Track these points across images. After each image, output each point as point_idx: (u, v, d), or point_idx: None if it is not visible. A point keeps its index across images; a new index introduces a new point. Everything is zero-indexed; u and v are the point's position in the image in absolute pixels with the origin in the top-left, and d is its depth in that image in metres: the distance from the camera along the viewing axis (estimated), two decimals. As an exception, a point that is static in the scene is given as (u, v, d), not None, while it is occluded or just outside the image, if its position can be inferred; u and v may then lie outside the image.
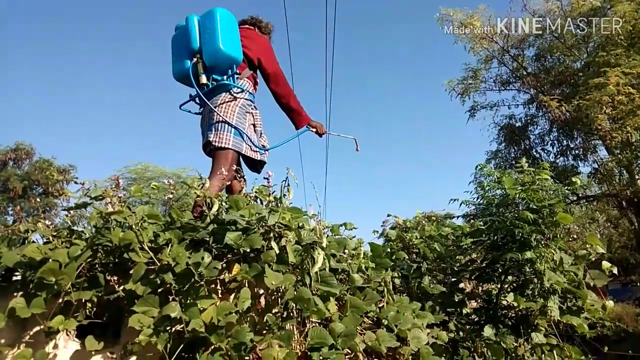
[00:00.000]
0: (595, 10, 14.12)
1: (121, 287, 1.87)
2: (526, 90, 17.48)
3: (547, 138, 16.77)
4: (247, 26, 3.32)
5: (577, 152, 15.83)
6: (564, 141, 16.28)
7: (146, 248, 1.88)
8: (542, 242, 2.73)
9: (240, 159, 3.09)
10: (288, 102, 3.23)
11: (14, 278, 1.97)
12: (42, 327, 1.82)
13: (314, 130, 3.40)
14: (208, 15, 3.00)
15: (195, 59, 2.95)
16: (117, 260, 1.98)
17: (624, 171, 14.45)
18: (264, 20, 3.45)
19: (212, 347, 1.77)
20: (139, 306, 1.77)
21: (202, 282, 1.83)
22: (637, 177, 14.26)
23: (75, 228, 2.16)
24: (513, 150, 17.39)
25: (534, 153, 16.84)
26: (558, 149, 16.39)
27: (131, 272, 1.86)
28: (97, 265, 1.97)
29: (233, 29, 3.03)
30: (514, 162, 16.43)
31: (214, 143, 2.89)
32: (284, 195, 2.26)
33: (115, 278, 1.88)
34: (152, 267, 1.87)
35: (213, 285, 2.01)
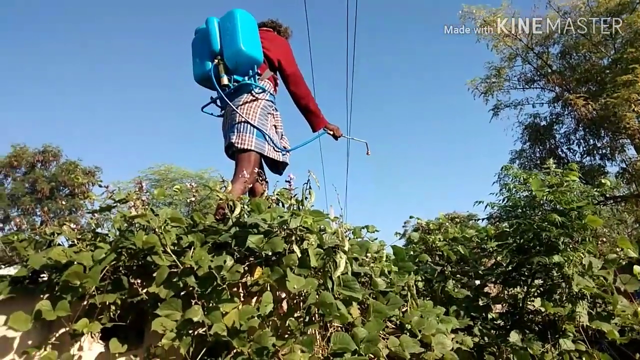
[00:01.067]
0: (623, 5, 13.79)
1: (144, 290, 1.88)
2: (551, 89, 17.16)
3: (573, 137, 16.43)
4: (266, 28, 3.33)
5: (604, 151, 15.47)
6: (591, 140, 15.92)
7: (169, 251, 1.89)
8: (570, 246, 2.66)
9: (262, 160, 3.09)
10: (307, 104, 3.22)
11: (41, 280, 2.00)
12: (67, 329, 1.84)
13: (331, 133, 3.39)
14: (228, 16, 3.01)
15: (216, 61, 2.97)
16: (140, 263, 2.00)
17: (654, 171, 14.06)
18: (283, 24, 3.46)
19: (235, 351, 1.77)
20: (162, 309, 1.78)
21: (224, 286, 1.82)
22: (667, 176, 13.86)
23: (99, 231, 2.19)
24: (538, 149, 17.06)
25: (560, 153, 16.51)
26: (584, 149, 16.03)
27: (154, 275, 1.86)
28: (120, 268, 1.99)
29: (253, 30, 3.05)
30: (539, 162, 16.15)
31: (236, 145, 2.89)
32: (306, 198, 2.24)
33: (139, 281, 1.89)
34: (175, 270, 1.87)
35: (235, 289, 2.00)
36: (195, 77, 3.12)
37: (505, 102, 17.80)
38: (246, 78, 3.00)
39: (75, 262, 1.81)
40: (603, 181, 2.78)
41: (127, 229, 2.02)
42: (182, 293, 1.87)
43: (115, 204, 2.14)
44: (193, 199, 2.35)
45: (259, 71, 3.06)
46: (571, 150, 16.49)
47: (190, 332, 1.79)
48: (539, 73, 17.47)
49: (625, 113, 12.12)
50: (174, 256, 1.88)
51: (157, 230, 1.88)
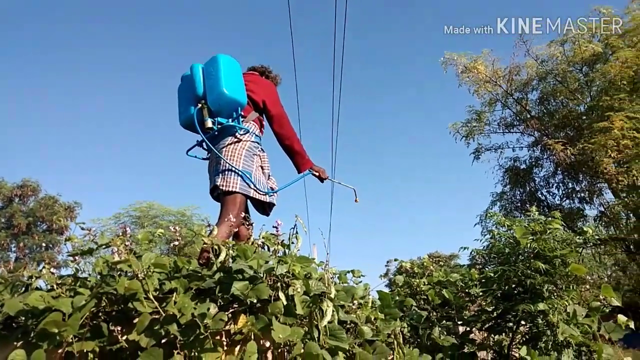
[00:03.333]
0: (597, 55, 14.37)
1: (124, 338, 1.82)
2: (530, 133, 17.59)
3: (552, 180, 16.77)
4: (252, 72, 3.37)
5: (582, 195, 15.77)
6: (570, 184, 16.25)
7: (151, 297, 1.84)
8: (555, 293, 2.67)
9: (248, 202, 3.07)
10: (292, 145, 3.23)
11: (15, 325, 1.92)
12: (41, 379, 1.76)
13: (317, 174, 3.39)
14: (211, 61, 3.07)
15: (200, 105, 2.99)
16: (121, 308, 1.94)
17: (631, 215, 14.33)
18: (273, 71, 3.52)
19: (217, 403, 1.71)
20: (143, 359, 1.72)
21: (207, 334, 1.78)
22: (644, 221, 14.12)
23: (79, 275, 2.13)
24: (519, 192, 17.35)
25: (540, 195, 16.79)
26: (564, 192, 16.34)
27: (135, 321, 1.81)
28: (100, 314, 1.93)
29: (236, 73, 3.09)
30: (519, 204, 16.38)
31: (221, 187, 2.88)
32: (292, 242, 2.22)
33: (119, 328, 1.83)
34: (157, 317, 1.82)
35: (218, 337, 1.95)
36: (181, 122, 3.14)
37: (486, 146, 18.20)
38: (230, 120, 3.02)
39: (53, 309, 1.75)
40: (585, 229, 2.82)
41: (109, 274, 1.97)
42: (163, 341, 1.82)
43: (97, 248, 2.10)
44: (176, 243, 2.31)
45: (243, 113, 3.08)
46: (551, 193, 16.81)
47: (172, 383, 1.73)
48: (518, 118, 17.94)
49: (602, 158, 12.44)
50: (156, 303, 1.83)
51: (139, 276, 1.84)
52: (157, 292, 1.92)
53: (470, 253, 3.03)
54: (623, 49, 13.43)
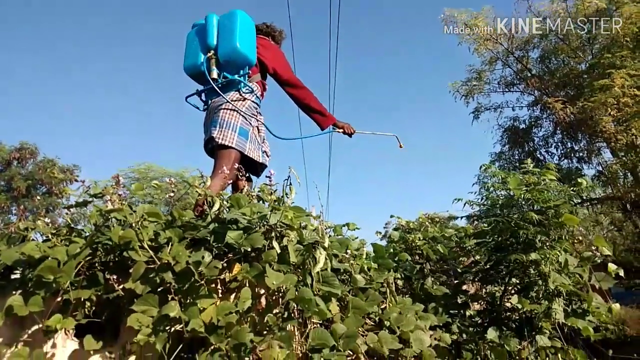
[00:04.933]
0: (600, 11, 14.06)
1: (121, 286, 1.85)
2: (530, 92, 17.38)
3: (551, 140, 16.68)
4: (262, 35, 3.34)
5: (581, 154, 15.73)
6: (568, 143, 16.18)
7: (146, 247, 1.86)
8: (547, 244, 2.69)
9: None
10: (309, 103, 3.23)
11: (13, 276, 1.95)
12: (40, 325, 1.80)
13: (341, 130, 3.37)
14: (229, 15, 3.07)
15: (209, 54, 2.98)
16: (117, 258, 1.97)
17: (629, 174, 14.34)
18: (277, 28, 3.47)
19: (212, 347, 1.75)
20: (138, 305, 1.76)
21: (202, 282, 1.80)
22: (642, 179, 14.16)
23: (75, 226, 2.14)
24: (517, 152, 17.29)
25: (538, 155, 16.74)
26: (562, 152, 16.29)
27: (131, 270, 1.84)
28: (96, 264, 1.95)
29: (251, 32, 3.10)
30: (517, 164, 16.35)
31: (217, 139, 2.86)
32: (286, 194, 2.23)
33: (115, 277, 1.86)
34: (152, 266, 1.85)
35: (213, 285, 1.98)
36: (185, 68, 3.12)
37: (486, 105, 18.01)
38: (236, 76, 3.02)
39: (49, 257, 1.77)
40: (580, 181, 2.83)
41: (104, 224, 1.99)
42: (159, 289, 1.85)
43: (91, 199, 2.11)
44: (172, 194, 2.32)
45: (250, 73, 3.07)
46: (549, 153, 16.75)
47: (167, 328, 1.76)
48: (518, 77, 17.69)
49: (602, 117, 12.33)
50: (151, 252, 1.85)
51: (134, 225, 1.85)
52: (153, 243, 1.94)
53: (464, 205, 3.04)
54: (628, 3, 13.11)
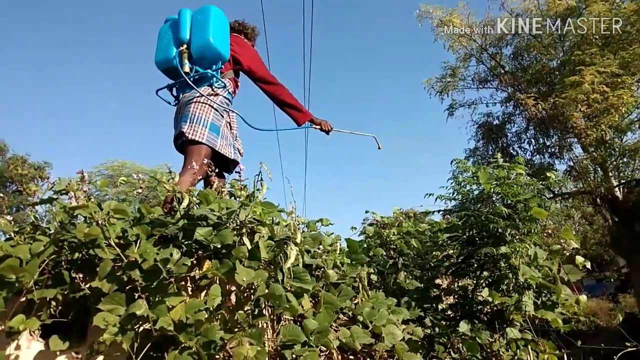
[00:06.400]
0: (570, 9, 14.34)
1: (87, 285, 1.81)
2: (503, 89, 17.64)
3: (524, 136, 16.97)
4: (235, 33, 3.32)
5: (553, 150, 16.04)
6: (541, 139, 16.48)
7: (113, 244, 1.82)
8: (517, 237, 2.73)
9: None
10: (285, 99, 3.23)
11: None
12: (2, 327, 1.74)
13: (318, 127, 3.36)
14: (202, 10, 3.05)
15: (182, 48, 2.95)
16: (83, 257, 1.92)
17: (599, 169, 14.71)
18: (250, 25, 3.46)
19: (181, 345, 1.72)
20: (105, 304, 1.72)
21: (170, 279, 1.78)
22: (610, 174, 14.53)
23: (39, 224, 2.09)
24: (491, 147, 17.54)
25: (511, 151, 17.03)
26: (535, 147, 16.59)
27: (97, 269, 1.80)
28: (62, 263, 1.90)
29: (224, 28, 3.08)
30: (491, 159, 16.58)
31: (187, 134, 2.82)
32: (257, 190, 2.21)
33: (81, 275, 1.81)
34: (119, 264, 1.81)
35: (183, 283, 1.96)
36: (157, 63, 3.07)
37: (460, 102, 18.24)
38: (209, 71, 2.99)
39: (11, 256, 1.72)
40: (548, 174, 2.88)
41: (69, 222, 1.94)
42: (126, 287, 1.81)
43: (57, 196, 2.05)
44: (140, 191, 2.27)
45: (222, 68, 3.06)
46: (522, 149, 17.05)
47: (135, 327, 1.73)
48: (492, 73, 17.94)
49: (573, 113, 12.61)
50: (118, 249, 1.81)
51: (100, 222, 1.81)
52: (120, 240, 1.90)
53: (435, 200, 3.07)
54: (597, 2, 13.41)
